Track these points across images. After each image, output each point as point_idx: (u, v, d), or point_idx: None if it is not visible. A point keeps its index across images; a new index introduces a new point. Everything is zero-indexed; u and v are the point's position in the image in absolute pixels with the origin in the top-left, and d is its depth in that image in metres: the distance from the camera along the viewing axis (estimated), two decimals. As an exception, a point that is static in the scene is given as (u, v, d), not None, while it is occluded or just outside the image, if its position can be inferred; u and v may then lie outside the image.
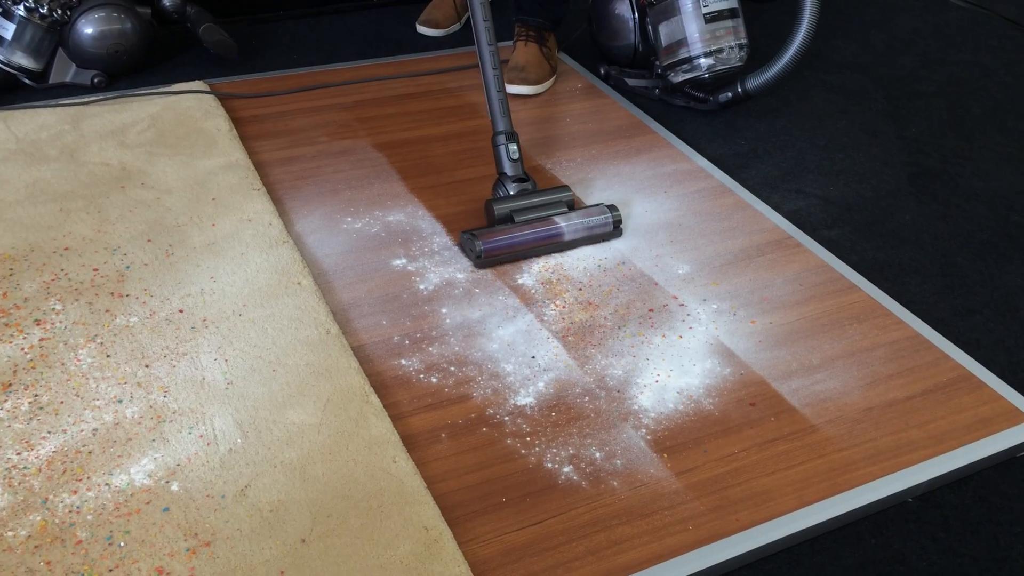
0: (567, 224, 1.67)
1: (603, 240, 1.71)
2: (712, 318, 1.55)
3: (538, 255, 1.66)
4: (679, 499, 1.23)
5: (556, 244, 1.67)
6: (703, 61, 2.10)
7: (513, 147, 1.73)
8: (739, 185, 1.93)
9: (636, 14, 2.23)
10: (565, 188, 1.74)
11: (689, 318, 1.55)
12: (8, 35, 2.06)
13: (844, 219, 1.87)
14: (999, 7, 2.92)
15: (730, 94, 2.15)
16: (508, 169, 1.74)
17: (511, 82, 2.21)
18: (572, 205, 1.73)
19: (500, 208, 1.68)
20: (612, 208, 1.71)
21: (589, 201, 1.83)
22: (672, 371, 1.44)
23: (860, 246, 1.79)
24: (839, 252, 1.76)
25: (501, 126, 1.75)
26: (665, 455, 1.29)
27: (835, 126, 2.22)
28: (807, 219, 1.86)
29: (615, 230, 1.71)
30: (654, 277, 1.64)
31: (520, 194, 1.72)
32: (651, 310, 1.56)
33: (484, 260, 1.62)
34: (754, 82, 2.11)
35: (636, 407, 1.36)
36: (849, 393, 1.41)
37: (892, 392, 1.42)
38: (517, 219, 1.68)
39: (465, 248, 1.66)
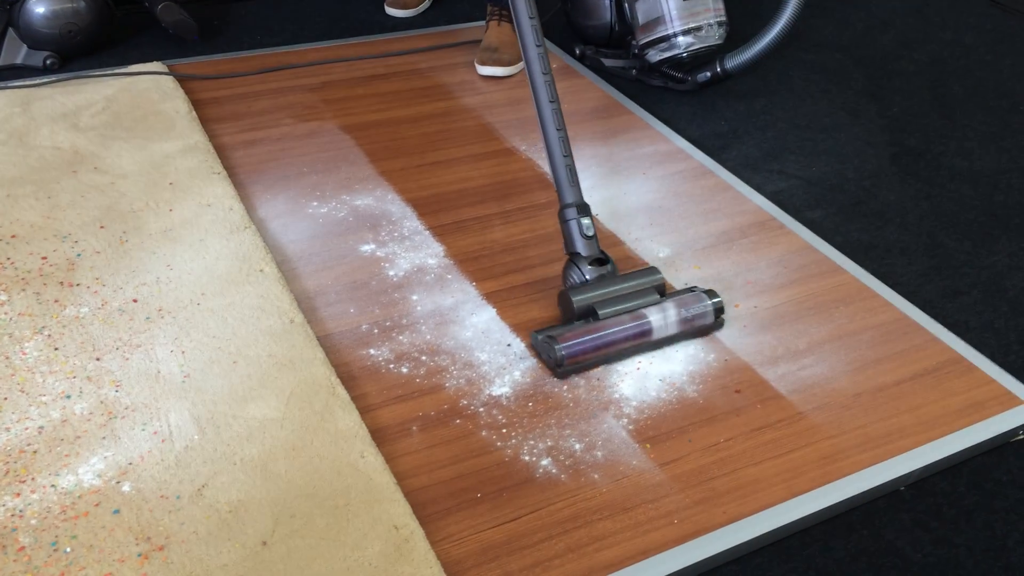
0: (663, 319, 1.38)
1: (703, 335, 1.42)
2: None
3: (628, 356, 1.38)
4: (663, 491, 1.17)
5: (649, 342, 1.38)
6: (681, 39, 2.04)
7: (586, 222, 1.43)
8: (720, 166, 1.87)
9: (612, -8, 2.17)
10: (653, 271, 1.44)
11: (670, 303, 1.49)
12: (-47, 14, 1.96)
13: (827, 200, 1.82)
14: (977, -13, 2.88)
15: (709, 74, 2.09)
16: (582, 248, 1.42)
17: (484, 63, 2.14)
18: (663, 290, 1.44)
19: (580, 300, 1.38)
20: (710, 294, 1.42)
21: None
22: (654, 358, 1.37)
23: (844, 227, 1.74)
24: (823, 233, 1.70)
25: (570, 197, 1.45)
26: (648, 445, 1.23)
27: (816, 106, 2.17)
28: (790, 200, 1.81)
29: (716, 322, 1.43)
30: (634, 261, 1.58)
31: (601, 281, 1.41)
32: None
33: (566, 368, 1.33)
34: (733, 61, 2.06)
35: (617, 396, 1.30)
36: (837, 378, 1.36)
37: (881, 377, 1.37)
38: (601, 313, 1.38)
39: (540, 351, 1.36)
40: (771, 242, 1.65)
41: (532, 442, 1.23)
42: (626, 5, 2.13)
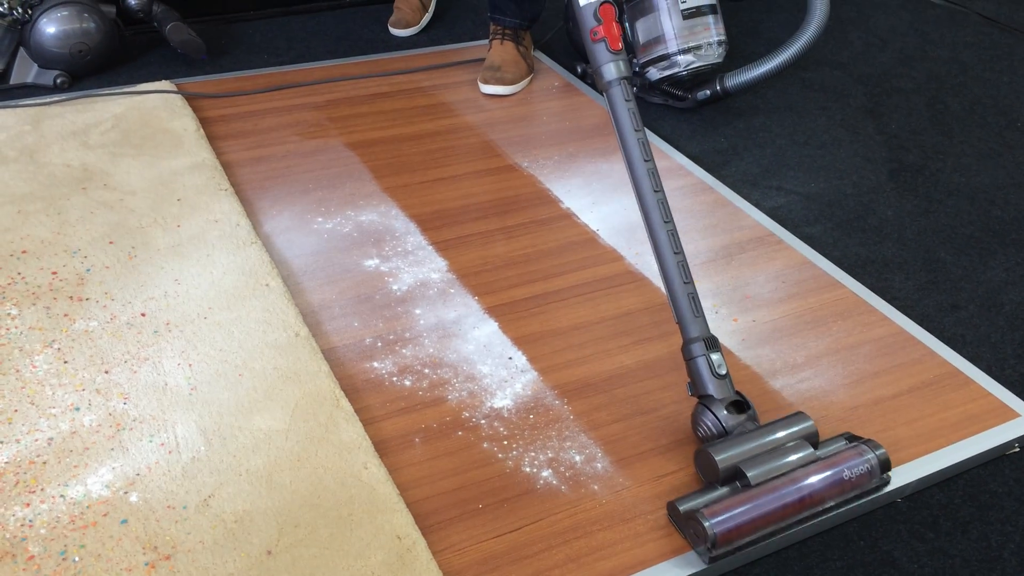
0: (825, 480, 1.14)
1: (867, 496, 1.20)
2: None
3: (790, 528, 1.14)
4: (663, 502, 1.18)
5: (814, 511, 1.15)
6: (681, 58, 2.07)
7: (716, 357, 1.23)
8: (719, 182, 1.90)
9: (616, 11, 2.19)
10: (803, 418, 1.21)
11: (670, 317, 1.51)
12: (-34, 34, 2.00)
13: (825, 215, 1.84)
14: (975, 4, 2.91)
15: (708, 92, 2.12)
16: (715, 391, 1.22)
17: (486, 81, 2.16)
18: (816, 441, 1.20)
19: (724, 459, 1.14)
20: (870, 443, 1.20)
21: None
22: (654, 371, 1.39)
23: (842, 242, 1.76)
24: (821, 248, 1.72)
25: (694, 331, 1.25)
26: (648, 457, 1.25)
27: (814, 123, 2.19)
28: (788, 216, 1.83)
29: (883, 480, 1.20)
30: (634, 275, 1.60)
31: (743, 433, 1.18)
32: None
33: (720, 548, 1.09)
34: (734, 81, 2.08)
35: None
36: (835, 391, 1.37)
37: (878, 390, 1.38)
38: (752, 477, 1.13)
39: (685, 531, 1.13)
40: (770, 257, 1.67)
41: (533, 454, 1.25)
42: (627, 24, 2.16)
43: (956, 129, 2.19)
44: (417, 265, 1.60)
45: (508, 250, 1.65)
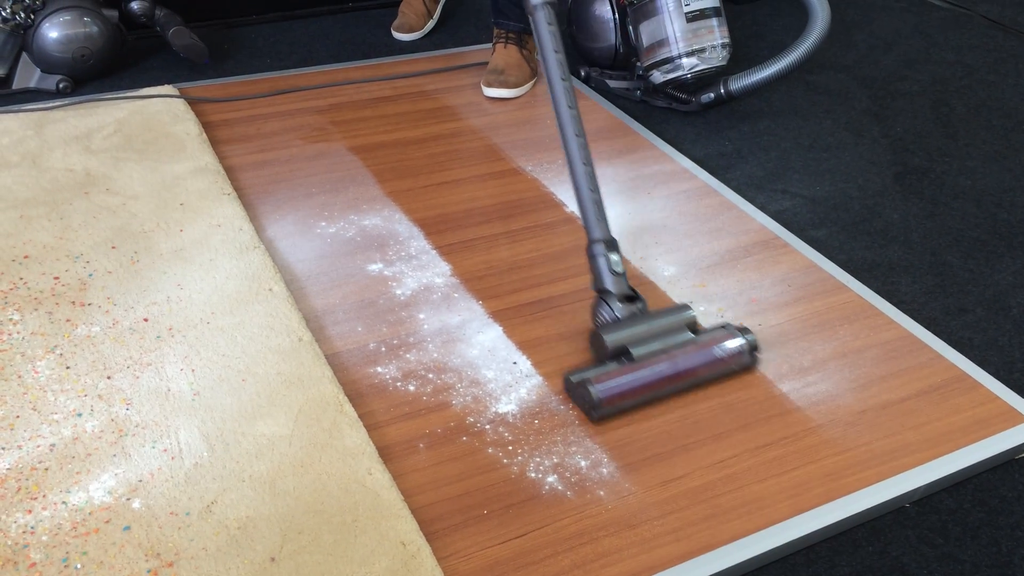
0: (699, 358, 1.34)
1: (737, 373, 1.39)
2: (700, 320, 1.50)
3: (665, 398, 1.34)
4: (669, 508, 1.17)
5: (688, 383, 1.35)
6: (685, 61, 2.06)
7: (615, 258, 1.39)
8: (724, 186, 1.89)
9: (617, 15, 2.19)
10: (686, 308, 1.40)
11: (675, 321, 1.50)
12: (-31, 39, 2.00)
13: (831, 219, 1.83)
14: (980, 7, 2.90)
15: (712, 95, 2.11)
16: (611, 285, 1.38)
17: (490, 85, 2.16)
18: (695, 327, 1.40)
19: (613, 339, 1.33)
20: (744, 330, 1.39)
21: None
22: (659, 375, 1.38)
23: (848, 246, 1.75)
24: (827, 252, 1.71)
25: (597, 233, 1.41)
26: (654, 462, 1.24)
27: (819, 126, 2.19)
28: (793, 219, 1.82)
29: (751, 358, 1.39)
30: (639, 279, 1.59)
31: (632, 319, 1.37)
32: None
33: (603, 411, 1.29)
34: (738, 84, 2.08)
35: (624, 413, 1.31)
36: (842, 395, 1.36)
37: (886, 394, 1.37)
38: (635, 354, 1.33)
39: (574, 396, 1.32)
40: (775, 260, 1.66)
41: (538, 459, 1.24)
42: (631, 28, 2.15)
43: (961, 132, 2.18)
44: (421, 269, 1.59)
45: (512, 254, 1.65)
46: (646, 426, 1.30)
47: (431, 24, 2.51)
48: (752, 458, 1.25)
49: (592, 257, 1.41)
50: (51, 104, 1.99)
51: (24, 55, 2.08)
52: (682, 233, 1.72)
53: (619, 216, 1.76)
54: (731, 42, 2.10)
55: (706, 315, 1.51)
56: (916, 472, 1.25)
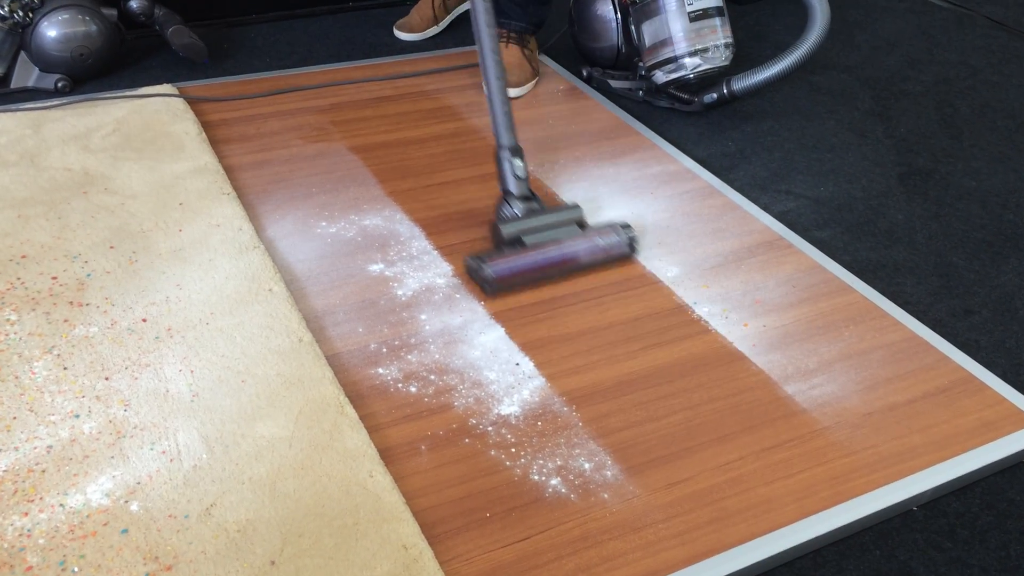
0: (582, 246, 1.56)
1: (619, 262, 1.59)
2: (703, 321, 1.49)
3: (552, 279, 1.54)
4: (674, 511, 1.16)
5: (571, 267, 1.55)
6: (688, 60, 2.05)
7: (518, 163, 1.60)
8: (727, 186, 1.87)
9: (619, 15, 2.18)
10: (575, 208, 1.62)
11: (680, 322, 1.48)
12: (-34, 38, 1.98)
13: (835, 220, 1.82)
14: (983, 8, 2.89)
15: (715, 95, 2.10)
16: (513, 187, 1.59)
17: None
18: (583, 224, 1.60)
19: (508, 230, 1.54)
20: (626, 227, 1.60)
21: (596, 219, 1.70)
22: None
23: (853, 247, 1.74)
24: (831, 253, 1.70)
25: (505, 140, 1.62)
26: (659, 465, 1.22)
27: (823, 127, 2.17)
28: (797, 220, 1.80)
29: (631, 250, 1.60)
30: (643, 279, 1.58)
31: (528, 215, 1.58)
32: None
33: (495, 286, 1.49)
34: (741, 84, 2.06)
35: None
36: (848, 397, 1.35)
37: (892, 396, 1.36)
38: (527, 242, 1.54)
39: (472, 275, 1.53)
40: (779, 261, 1.65)
41: (541, 461, 1.22)
42: (633, 27, 2.14)
43: (966, 132, 2.17)
44: (422, 270, 1.57)
45: (514, 254, 1.63)
46: (650, 428, 1.28)
47: (434, 30, 2.50)
48: (758, 460, 1.24)
49: (499, 161, 1.62)
50: (49, 103, 1.97)
51: (22, 54, 2.06)
52: (685, 234, 1.71)
53: (622, 217, 1.75)
54: (734, 42, 2.09)
55: (710, 316, 1.50)
56: (923, 475, 1.23)
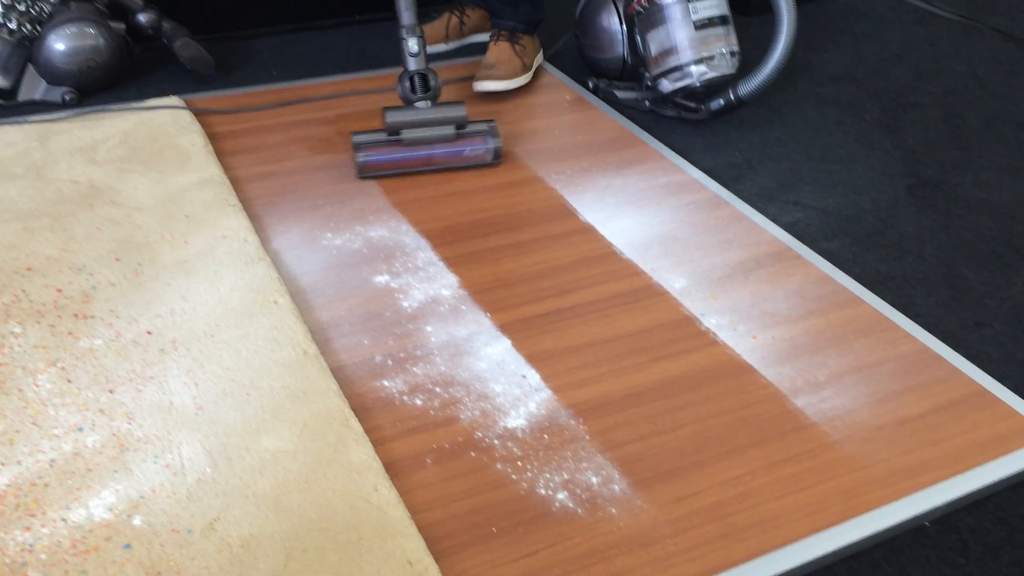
0: (448, 150, 1.83)
1: (479, 167, 1.87)
2: (712, 333, 1.47)
3: (417, 172, 1.84)
4: (683, 526, 1.14)
5: (434, 166, 1.84)
6: (694, 69, 2.04)
7: (411, 41, 1.81)
8: (734, 196, 1.86)
9: (624, 26, 2.18)
10: (459, 105, 1.84)
11: (688, 333, 1.47)
12: (-26, 50, 1.98)
13: (844, 231, 1.81)
14: (990, 20, 2.88)
15: (722, 101, 2.09)
16: (410, 64, 1.82)
17: (479, 79, 2.15)
18: (464, 123, 1.83)
19: (391, 119, 1.80)
20: (495, 136, 1.85)
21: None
22: (671, 390, 1.36)
23: (862, 258, 1.72)
24: (840, 264, 1.69)
25: (405, 20, 1.83)
26: (667, 479, 1.21)
27: (830, 138, 2.16)
28: (806, 231, 1.79)
29: (494, 160, 1.86)
30: (649, 290, 1.57)
31: (414, 109, 1.82)
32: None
33: (365, 173, 1.81)
34: (746, 88, 2.06)
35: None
36: (858, 411, 1.33)
37: (903, 409, 1.34)
38: (404, 137, 1.80)
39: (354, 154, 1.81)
40: (788, 273, 1.63)
41: (548, 475, 1.21)
42: (638, 37, 2.14)
43: (974, 144, 2.16)
44: (428, 281, 1.57)
45: (521, 266, 1.62)
46: (658, 441, 1.27)
47: (440, 48, 2.49)
48: (767, 475, 1.22)
49: (400, 39, 1.84)
50: (56, 116, 1.98)
51: (30, 67, 2.07)
52: (692, 244, 1.70)
53: (628, 227, 1.74)
54: (740, 51, 2.08)
55: (718, 327, 1.49)
56: (935, 490, 1.22)
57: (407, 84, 1.82)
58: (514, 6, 2.21)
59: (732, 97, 2.07)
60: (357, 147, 1.79)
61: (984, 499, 1.24)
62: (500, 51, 2.21)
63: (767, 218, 1.80)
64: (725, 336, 1.47)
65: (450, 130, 1.82)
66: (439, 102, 1.85)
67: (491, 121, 1.89)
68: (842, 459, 1.25)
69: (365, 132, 1.82)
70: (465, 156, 1.84)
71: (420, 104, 1.82)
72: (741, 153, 2.07)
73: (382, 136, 1.81)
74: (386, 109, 1.81)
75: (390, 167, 1.81)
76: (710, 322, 1.50)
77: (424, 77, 1.83)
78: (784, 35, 2.00)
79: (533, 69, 2.28)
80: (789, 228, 1.79)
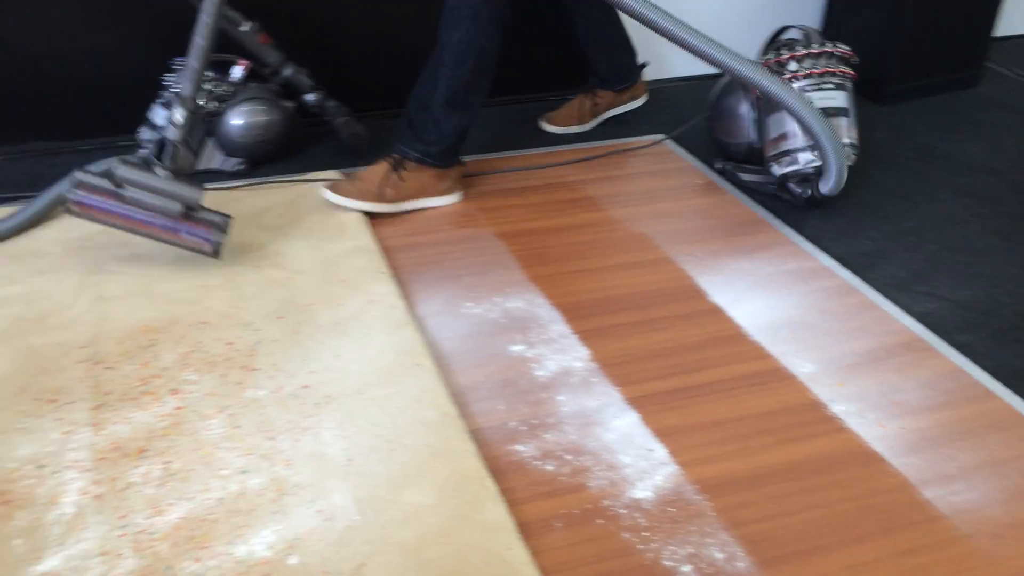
0: (165, 224, 1.75)
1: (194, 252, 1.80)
2: (839, 419, 1.49)
3: (121, 231, 1.76)
4: (805, 608, 1.16)
5: (147, 234, 1.77)
6: (802, 155, 2.10)
7: (179, 112, 1.77)
8: (866, 284, 1.88)
9: (756, 112, 2.24)
10: (197, 189, 1.76)
11: (815, 418, 1.49)
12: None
13: (979, 324, 1.79)
14: None
15: (810, 191, 2.13)
16: (168, 132, 1.77)
17: (329, 188, 2.06)
18: (194, 208, 1.76)
19: (120, 172, 1.71)
20: (222, 231, 1.77)
21: None
22: (796, 473, 1.38)
23: (997, 352, 1.70)
24: (974, 358, 1.67)
25: (182, 89, 1.80)
26: (791, 560, 1.23)
27: (967, 229, 2.15)
28: (939, 322, 1.79)
29: (214, 254, 1.79)
30: (776, 373, 1.60)
31: (150, 171, 1.74)
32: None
33: (73, 211, 1.72)
34: (826, 186, 2.08)
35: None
36: (990, 506, 1.32)
37: (1039, 508, 1.32)
38: (126, 196, 1.72)
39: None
40: (919, 363, 1.64)
41: (673, 547, 1.25)
42: (759, 119, 2.20)
43: (1122, 239, 2.10)
44: (561, 353, 1.65)
45: (650, 342, 1.69)
46: (784, 522, 1.29)
47: (575, 129, 2.60)
48: (893, 564, 1.23)
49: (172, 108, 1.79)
50: (231, 184, 2.19)
51: (209, 140, 2.29)
52: (822, 331, 1.72)
53: (757, 311, 1.78)
54: (858, 144, 2.11)
55: (846, 414, 1.50)
56: (1072, 594, 1.19)
57: (156, 147, 1.79)
58: (419, 134, 2.07)
59: (812, 193, 2.11)
60: (76, 183, 1.70)
61: None
62: (374, 169, 2.09)
63: (899, 307, 1.81)
64: (853, 423, 1.48)
65: (177, 207, 1.74)
66: (182, 178, 1.78)
67: (228, 216, 1.81)
68: (971, 553, 1.24)
69: (93, 171, 1.75)
70: (182, 237, 1.77)
71: (160, 171, 1.75)
72: (873, 241, 2.08)
73: (107, 183, 1.72)
74: (122, 159, 1.74)
75: (101, 216, 1.73)
76: (837, 408, 1.52)
77: (176, 148, 1.77)
78: (812, 117, 1.98)
79: (400, 206, 2.09)
80: (921, 319, 1.79)
